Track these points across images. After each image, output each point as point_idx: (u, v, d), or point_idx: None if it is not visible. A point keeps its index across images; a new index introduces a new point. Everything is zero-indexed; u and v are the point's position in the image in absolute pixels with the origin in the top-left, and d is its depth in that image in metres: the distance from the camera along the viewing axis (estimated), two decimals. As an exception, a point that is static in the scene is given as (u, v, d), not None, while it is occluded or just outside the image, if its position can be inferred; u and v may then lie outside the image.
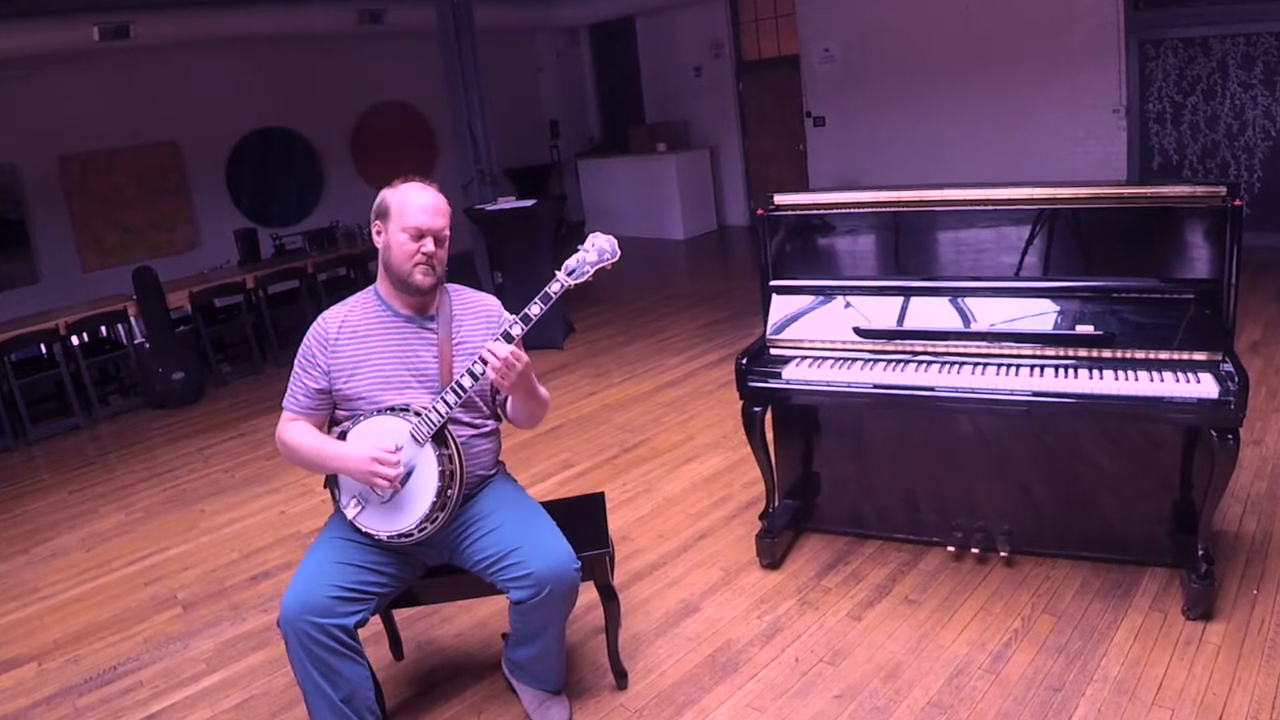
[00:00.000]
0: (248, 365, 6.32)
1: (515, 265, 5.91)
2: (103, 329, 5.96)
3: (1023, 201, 2.51)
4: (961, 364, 2.48)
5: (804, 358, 2.68)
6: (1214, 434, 2.18)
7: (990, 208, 2.55)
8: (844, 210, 2.75)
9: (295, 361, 2.10)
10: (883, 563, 2.79)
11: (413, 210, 1.99)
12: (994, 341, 2.47)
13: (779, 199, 2.81)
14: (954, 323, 2.55)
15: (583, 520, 2.29)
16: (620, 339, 5.92)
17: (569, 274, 1.97)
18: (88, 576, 3.40)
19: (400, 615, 2.58)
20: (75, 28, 6.45)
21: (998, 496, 2.68)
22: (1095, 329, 2.36)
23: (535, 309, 1.94)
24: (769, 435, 2.80)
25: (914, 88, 7.84)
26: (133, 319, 5.83)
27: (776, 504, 2.89)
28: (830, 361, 2.63)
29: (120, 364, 5.99)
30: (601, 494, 2.47)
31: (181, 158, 8.10)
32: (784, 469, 2.96)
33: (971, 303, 2.55)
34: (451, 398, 1.95)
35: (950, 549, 2.72)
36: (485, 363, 1.91)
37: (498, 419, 2.22)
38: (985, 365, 2.45)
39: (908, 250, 2.69)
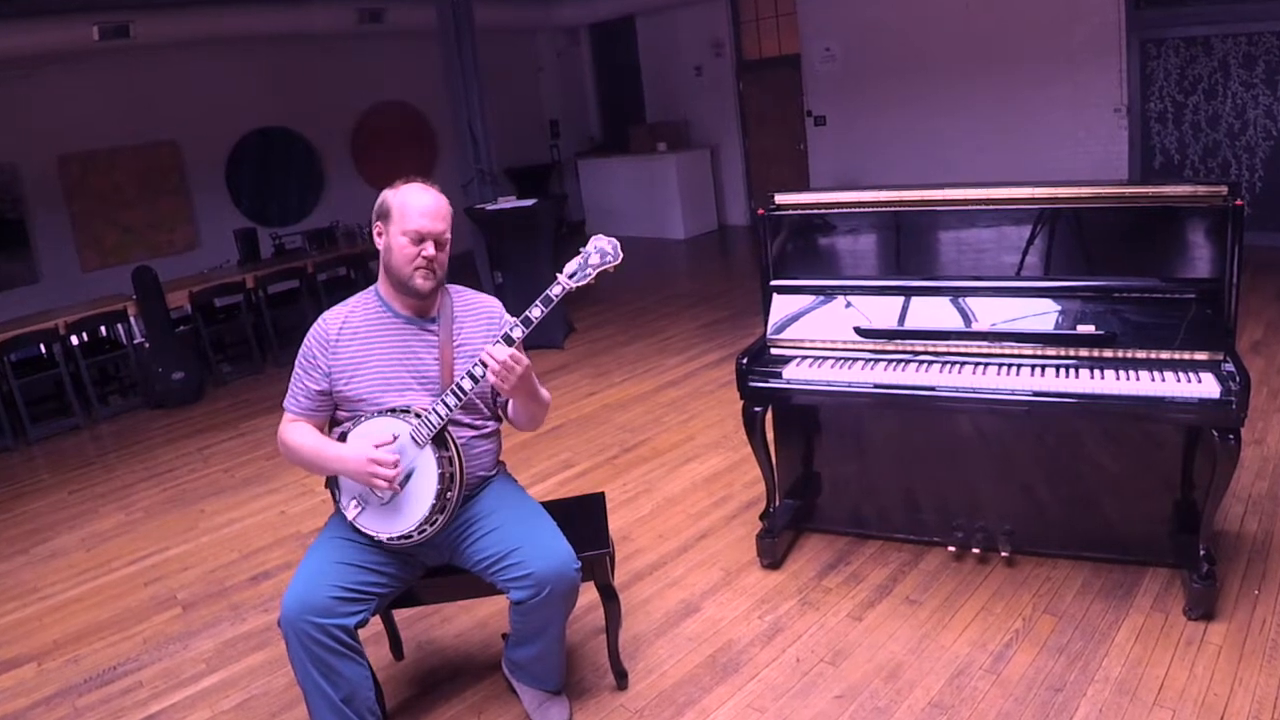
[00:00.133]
0: (248, 365, 6.32)
1: (515, 265, 5.90)
2: (102, 329, 5.96)
3: (1024, 201, 2.51)
4: (962, 364, 2.48)
5: (805, 357, 2.67)
6: (1215, 434, 2.18)
7: (991, 207, 2.54)
8: (845, 210, 2.75)
9: (296, 362, 2.10)
10: (883, 563, 2.79)
11: (413, 213, 1.98)
12: (995, 341, 2.47)
13: (780, 198, 2.81)
14: (955, 322, 2.54)
15: (583, 520, 2.28)
16: (621, 339, 5.91)
17: (570, 276, 1.96)
18: (87, 577, 3.40)
19: (400, 615, 2.58)
20: (75, 27, 6.45)
21: (999, 496, 2.67)
22: (1096, 329, 2.35)
23: (536, 312, 1.93)
24: (769, 435, 2.80)
25: (915, 87, 7.84)
26: (132, 319, 5.83)
27: (777, 504, 2.89)
28: (831, 361, 2.62)
29: (120, 364, 5.99)
30: (602, 494, 2.47)
31: (181, 157, 8.10)
32: (784, 469, 2.96)
33: (972, 302, 2.54)
34: (451, 400, 1.95)
35: (951, 549, 2.72)
36: (485, 366, 1.91)
37: (498, 420, 2.21)
38: (986, 365, 2.45)
39: (909, 250, 2.69)
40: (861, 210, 2.73)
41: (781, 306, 2.76)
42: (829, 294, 2.73)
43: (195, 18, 7.05)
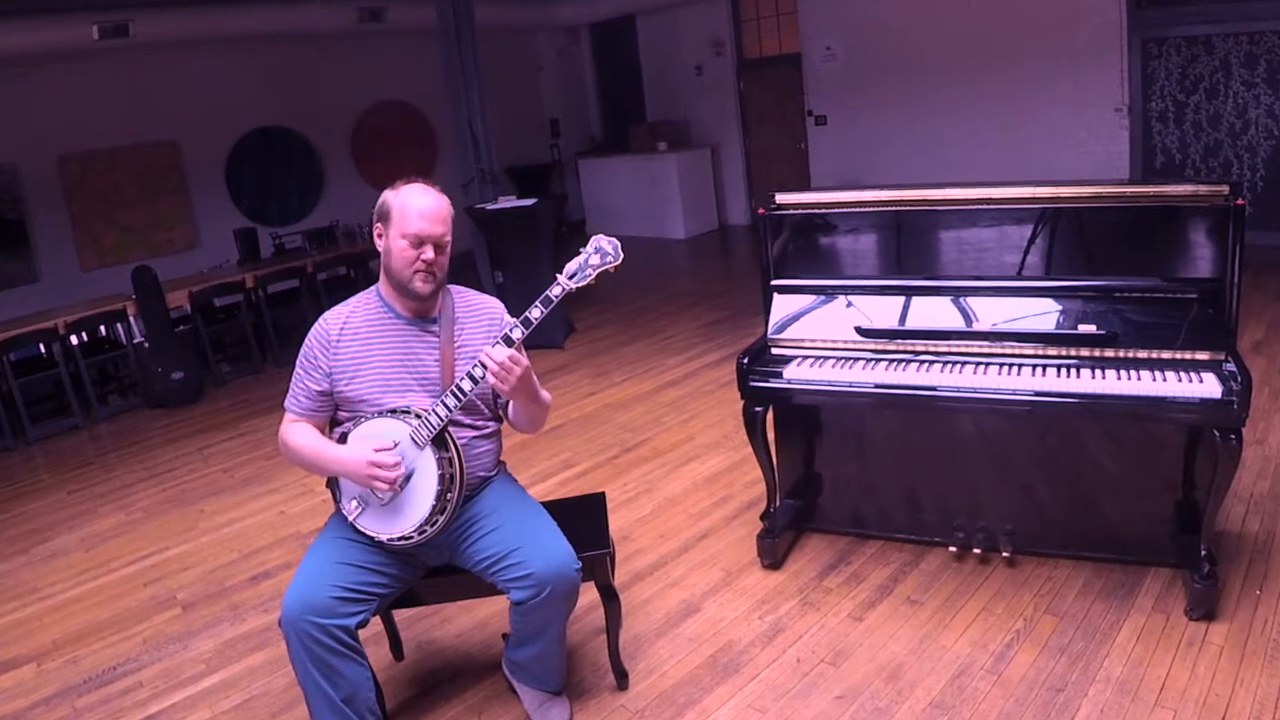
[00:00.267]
0: (247, 365, 6.31)
1: (516, 265, 5.90)
2: (102, 329, 5.95)
3: (1025, 201, 2.50)
4: (964, 363, 2.47)
5: (805, 357, 2.67)
6: (1217, 434, 2.17)
7: (992, 207, 2.54)
8: (846, 209, 2.74)
9: (297, 363, 2.09)
10: (884, 563, 2.78)
11: (412, 216, 1.97)
12: (996, 341, 2.46)
13: (780, 198, 2.81)
14: (956, 322, 2.54)
15: (583, 520, 2.28)
16: (621, 338, 5.91)
17: (570, 277, 1.95)
18: (87, 577, 3.39)
19: (400, 616, 2.57)
20: (75, 26, 6.45)
21: (1000, 496, 2.67)
22: (1098, 328, 2.35)
23: (536, 312, 1.93)
24: (770, 435, 2.79)
25: (916, 86, 7.83)
26: (132, 319, 5.82)
27: (778, 504, 2.88)
28: (832, 361, 2.62)
29: (119, 364, 5.98)
30: (602, 494, 2.46)
31: (181, 157, 8.09)
32: (785, 469, 2.96)
33: (974, 302, 2.54)
34: (451, 401, 1.94)
35: (952, 549, 2.71)
36: (484, 367, 1.91)
37: (499, 420, 2.21)
38: (987, 365, 2.44)
39: (910, 250, 2.68)
40: (862, 210, 2.73)
41: (782, 306, 2.75)
42: (830, 294, 2.72)
43: (195, 17, 7.05)
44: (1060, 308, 2.45)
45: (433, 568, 2.15)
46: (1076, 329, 2.38)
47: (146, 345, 5.72)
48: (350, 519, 2.01)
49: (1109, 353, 2.34)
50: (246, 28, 7.42)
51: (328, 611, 1.89)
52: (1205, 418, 2.19)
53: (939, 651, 2.34)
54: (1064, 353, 2.39)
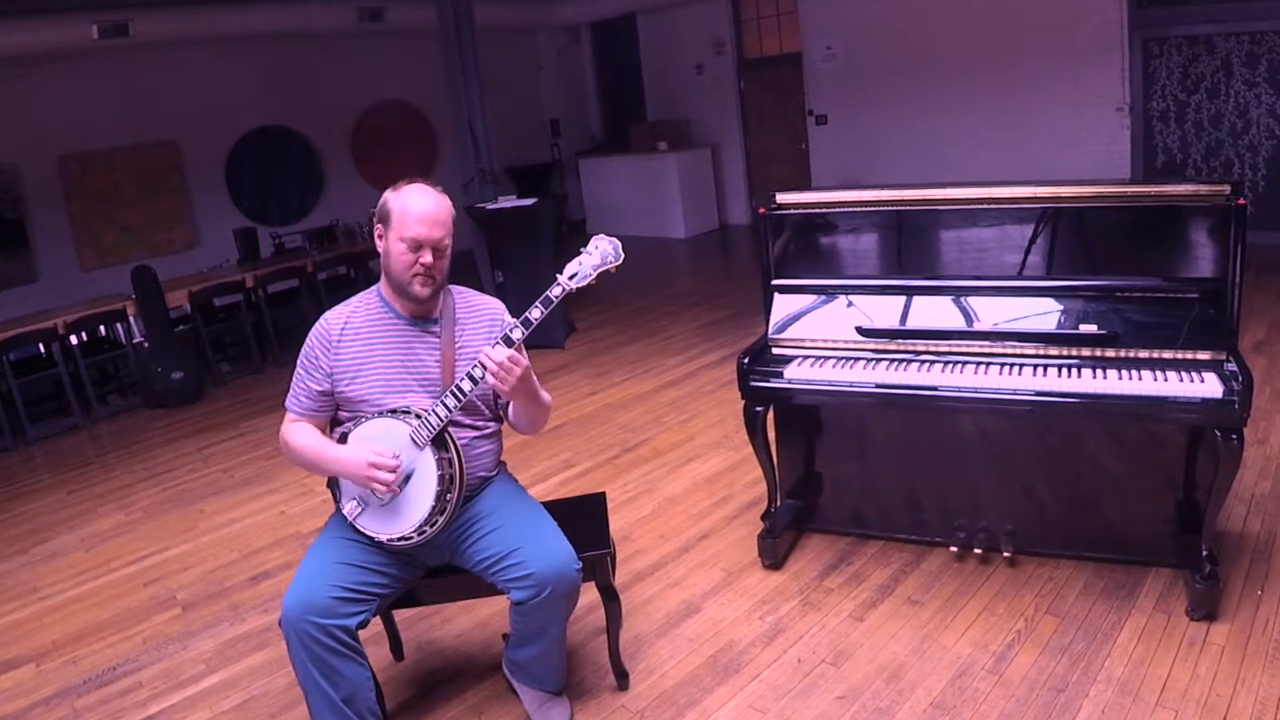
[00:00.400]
0: (247, 365, 6.31)
1: (516, 264, 5.90)
2: (101, 328, 5.95)
3: (1026, 200, 2.50)
4: (965, 363, 2.47)
5: (806, 357, 2.66)
6: (1218, 434, 2.17)
7: (993, 206, 2.54)
8: (846, 209, 2.74)
9: (298, 363, 2.09)
10: (885, 563, 2.78)
11: (411, 220, 1.96)
12: (997, 341, 2.46)
13: (781, 198, 2.80)
14: (957, 322, 2.53)
15: (584, 520, 2.27)
16: (621, 338, 5.90)
17: (570, 277, 1.94)
18: (87, 577, 3.39)
19: (400, 616, 2.57)
20: (74, 26, 6.45)
21: (1001, 497, 2.66)
22: (1099, 328, 2.34)
23: (536, 313, 1.92)
24: (771, 435, 2.79)
25: (917, 86, 7.83)
26: (132, 318, 5.82)
27: (778, 504, 2.88)
28: (832, 361, 2.61)
29: (119, 363, 5.98)
30: (602, 494, 2.46)
31: (181, 157, 8.09)
32: (786, 469, 2.95)
33: (975, 302, 2.54)
34: (451, 401, 1.94)
35: (953, 549, 2.71)
36: (484, 367, 1.90)
37: (499, 421, 2.20)
38: (988, 365, 2.44)
39: (910, 249, 2.68)
40: (863, 209, 2.72)
41: (783, 306, 2.75)
42: (830, 293, 2.72)
43: (195, 16, 7.04)
44: (1061, 307, 2.45)
45: (433, 568, 2.14)
46: (1078, 329, 2.37)
47: (146, 345, 5.71)
48: (350, 519, 2.01)
49: (1110, 352, 2.34)
50: (246, 27, 7.42)
51: (328, 612, 1.89)
52: (1206, 418, 2.19)
53: (940, 652, 2.33)
54: (1065, 352, 2.39)
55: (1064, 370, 2.36)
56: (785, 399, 2.71)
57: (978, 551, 2.68)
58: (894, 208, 2.68)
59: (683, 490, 3.50)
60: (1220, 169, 6.43)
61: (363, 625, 1.95)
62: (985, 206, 2.54)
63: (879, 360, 2.57)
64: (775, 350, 2.73)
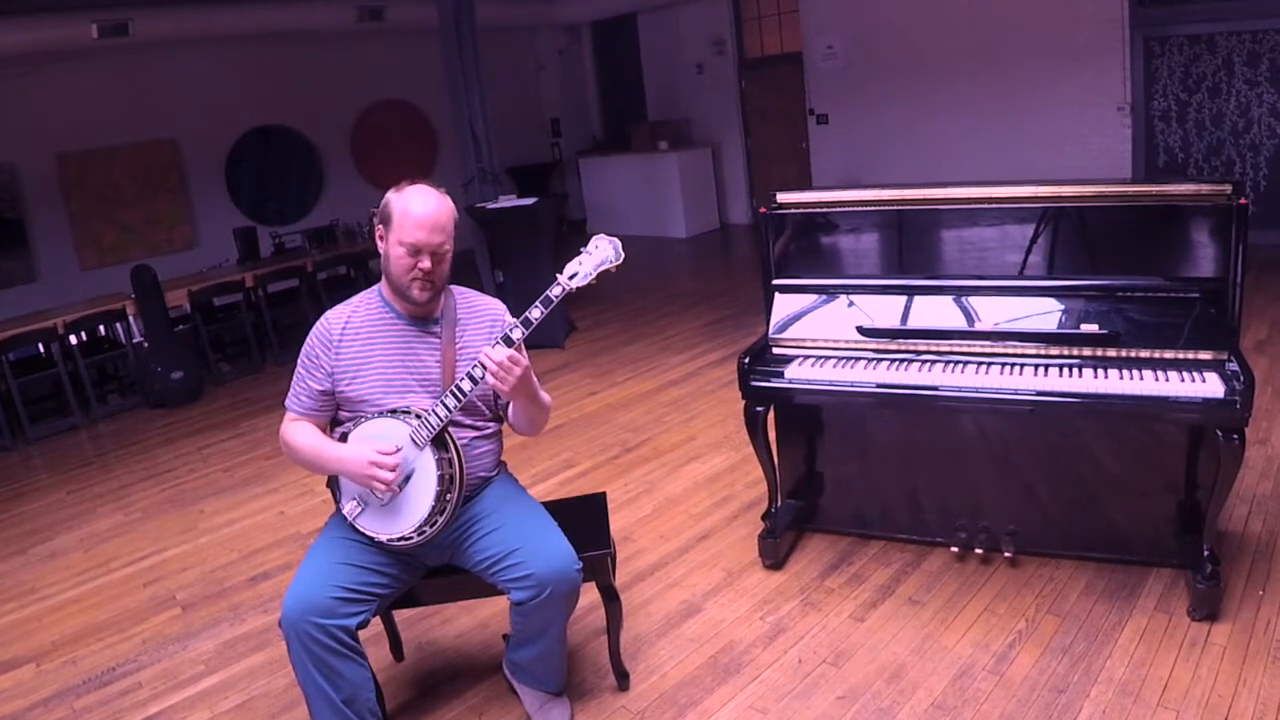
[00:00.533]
0: (247, 364, 6.31)
1: (516, 264, 5.89)
2: (101, 328, 5.94)
3: (1027, 200, 2.50)
4: (965, 363, 2.46)
5: (807, 357, 2.66)
6: (1219, 434, 2.17)
7: (994, 206, 2.53)
8: (847, 209, 2.74)
9: (298, 362, 2.09)
10: (886, 563, 2.78)
11: (410, 225, 1.95)
12: (998, 341, 2.46)
13: (782, 197, 2.80)
14: (958, 322, 2.53)
15: (584, 520, 2.27)
16: (622, 338, 5.90)
17: (570, 277, 1.94)
18: (86, 577, 3.39)
19: (401, 616, 2.57)
20: (74, 25, 6.43)
21: (1002, 497, 2.66)
22: (1100, 328, 2.34)
23: (536, 313, 1.92)
24: (771, 435, 2.78)
25: (917, 85, 7.82)
26: (131, 318, 5.81)
27: (779, 504, 2.88)
28: (833, 361, 2.61)
29: (119, 363, 5.97)
30: (603, 494, 2.46)
31: (180, 156, 8.08)
32: (786, 469, 2.95)
33: (975, 302, 2.53)
34: (452, 401, 1.94)
35: (954, 549, 2.70)
36: (484, 367, 1.90)
37: (499, 421, 2.20)
38: (989, 364, 2.44)
39: (911, 249, 2.67)
40: (864, 209, 2.72)
41: (784, 306, 2.74)
42: (831, 293, 2.71)
43: (194, 15, 7.03)
44: (1062, 307, 2.44)
45: (433, 568, 2.14)
46: (1079, 328, 2.37)
47: (146, 345, 5.71)
48: (350, 519, 2.00)
49: (1111, 352, 2.33)
50: (246, 26, 7.41)
51: (328, 612, 1.89)
52: (1208, 418, 2.18)
53: (941, 652, 2.33)
54: (1066, 352, 2.38)
55: (1065, 370, 2.36)
56: (786, 399, 2.70)
57: (979, 552, 2.67)
58: (895, 207, 2.68)
59: (683, 490, 3.49)
60: (1221, 168, 6.42)
61: (363, 625, 1.95)
62: (986, 206, 2.54)
63: (880, 360, 2.56)
64: (776, 350, 2.73)
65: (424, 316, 2.08)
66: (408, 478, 1.95)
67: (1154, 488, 2.49)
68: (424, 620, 2.75)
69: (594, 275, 1.94)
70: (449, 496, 1.96)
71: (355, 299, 2.13)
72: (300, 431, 2.05)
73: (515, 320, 1.95)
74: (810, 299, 2.73)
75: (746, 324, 5.67)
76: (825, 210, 2.76)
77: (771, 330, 2.74)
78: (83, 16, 6.41)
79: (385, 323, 2.07)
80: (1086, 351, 2.36)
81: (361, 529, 2.00)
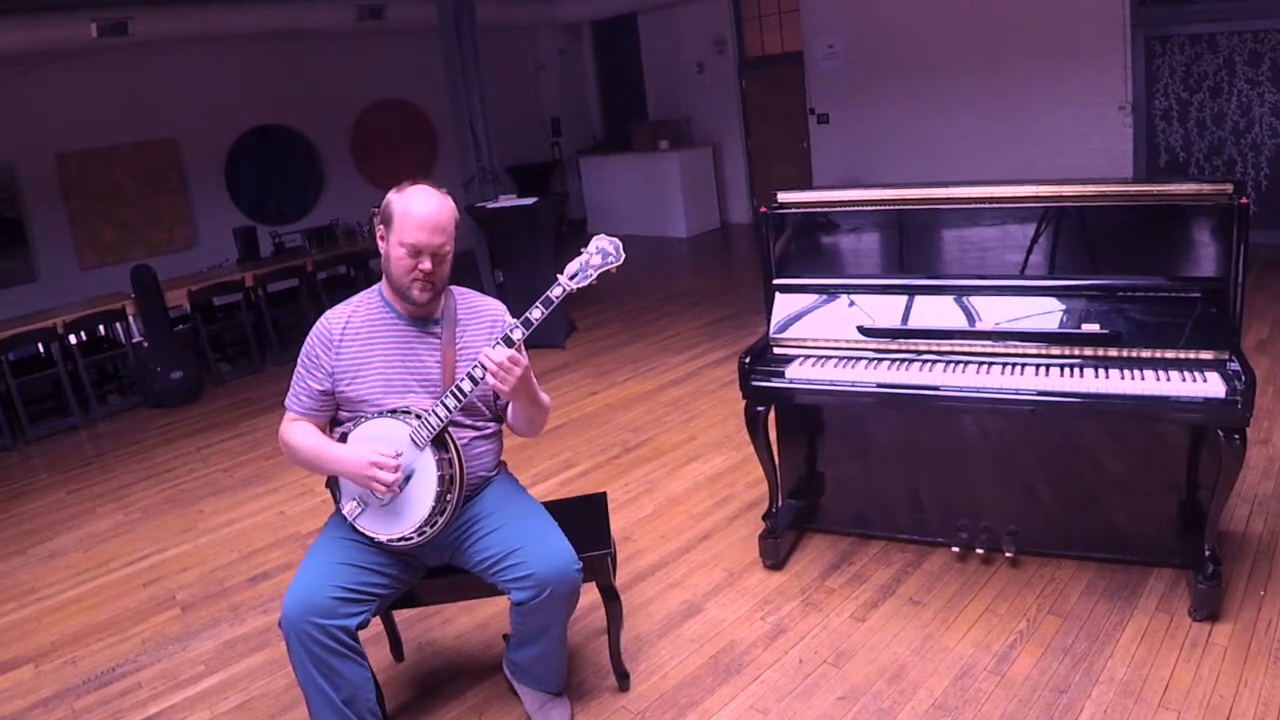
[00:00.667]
0: (246, 364, 6.30)
1: (516, 263, 5.89)
2: (101, 328, 5.94)
3: (1028, 199, 2.49)
4: (966, 363, 2.46)
5: (807, 357, 2.65)
6: (1221, 434, 2.16)
7: (995, 206, 2.53)
8: (848, 208, 2.73)
9: (298, 362, 2.08)
10: (887, 563, 2.77)
11: (411, 226, 1.95)
12: (999, 340, 2.45)
13: (783, 197, 2.79)
14: (959, 321, 2.52)
15: (584, 520, 2.27)
16: (622, 338, 5.90)
17: (571, 278, 1.93)
18: (86, 577, 3.38)
19: (401, 616, 2.56)
20: (73, 24, 6.42)
21: (1003, 497, 2.66)
22: (1101, 328, 2.34)
23: (536, 313, 1.91)
24: (772, 435, 2.78)
25: (918, 84, 7.81)
26: (131, 318, 5.81)
27: (780, 504, 2.87)
28: (834, 361, 2.61)
29: (118, 363, 5.97)
30: (603, 494, 2.45)
31: (180, 155, 8.07)
32: (787, 469, 2.94)
33: (976, 301, 2.53)
34: (452, 402, 1.93)
35: (955, 549, 2.70)
36: (484, 368, 1.89)
37: (499, 421, 2.20)
38: (990, 364, 2.43)
39: (912, 248, 2.67)
40: (865, 209, 2.72)
41: (784, 305, 2.74)
42: (832, 293, 2.71)
43: (194, 15, 7.02)
44: (1063, 307, 2.44)
45: (433, 568, 2.14)
46: (1080, 328, 2.37)
47: (145, 344, 5.71)
48: (350, 519, 2.00)
49: (1112, 352, 2.33)
50: (246, 26, 7.40)
51: (328, 612, 1.88)
52: (1209, 417, 2.18)
53: (942, 652, 2.33)
54: (1067, 352, 2.38)
55: (1066, 370, 2.35)
56: (787, 399, 2.70)
57: (980, 552, 2.67)
58: (896, 207, 2.67)
59: (684, 490, 3.49)
60: (1223, 168, 6.42)
61: (363, 626, 1.95)
62: (987, 206, 2.53)
63: (880, 360, 2.56)
64: (777, 350, 2.72)
65: (424, 317, 2.08)
66: (408, 478, 1.95)
67: (1155, 488, 2.49)
68: (424, 620, 2.74)
69: (595, 275, 1.94)
70: (449, 497, 1.95)
71: (355, 299, 2.13)
72: (300, 432, 2.05)
73: (516, 321, 1.95)
74: (811, 299, 2.73)
75: (747, 324, 5.66)
76: (826, 210, 2.76)
77: (772, 330, 2.73)
78: (82, 16, 6.40)
79: (385, 323, 2.07)
80: (1088, 351, 2.36)
81: (361, 529, 2.00)
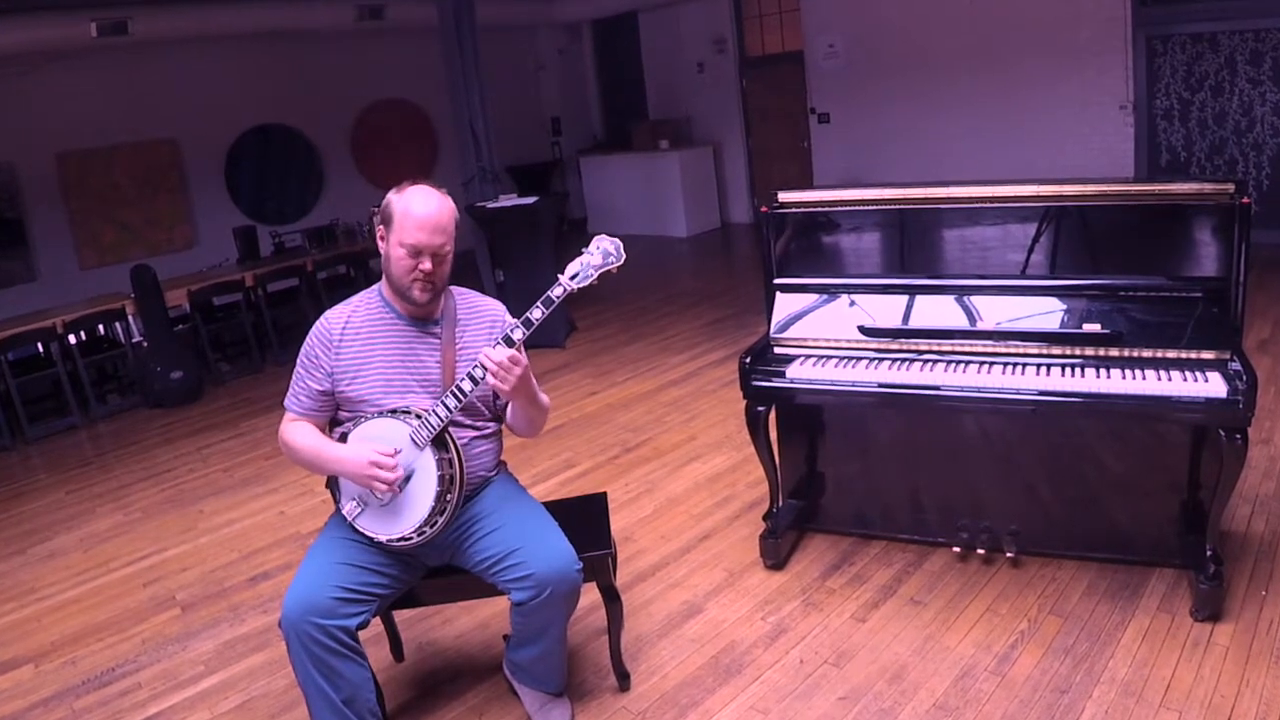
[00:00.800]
0: (246, 364, 6.30)
1: (517, 263, 5.88)
2: (100, 327, 5.93)
3: (1029, 199, 2.49)
4: (967, 363, 2.45)
5: (808, 356, 2.65)
6: (1222, 433, 2.16)
7: (996, 205, 2.52)
8: (849, 208, 2.73)
9: (298, 361, 2.08)
10: (888, 563, 2.77)
11: (411, 226, 1.94)
12: (1000, 340, 2.45)
13: (783, 196, 2.79)
14: (960, 321, 2.52)
15: (585, 521, 2.26)
16: (623, 338, 5.89)
17: (571, 278, 1.93)
18: (85, 577, 3.38)
19: (401, 616, 2.56)
20: (73, 24, 6.42)
21: (1004, 497, 2.65)
22: (1102, 327, 2.33)
23: (537, 313, 1.91)
24: (773, 435, 2.78)
25: (919, 84, 7.81)
26: (131, 317, 5.81)
27: (780, 504, 2.87)
28: (835, 360, 2.60)
29: (118, 363, 5.97)
30: (604, 494, 2.45)
31: (180, 155, 8.07)
32: (788, 469, 2.94)
33: (977, 301, 2.52)
34: (452, 401, 1.93)
35: (956, 550, 2.69)
36: (485, 368, 1.89)
37: (499, 421, 2.19)
38: (991, 364, 2.43)
39: (913, 248, 2.66)
40: (865, 208, 2.71)
41: (785, 305, 2.74)
42: (833, 293, 2.70)
43: (194, 14, 7.02)
44: (1065, 307, 2.43)
45: (433, 568, 2.13)
46: (1081, 328, 2.36)
47: (145, 344, 5.70)
48: (349, 519, 2.00)
49: (1114, 352, 2.33)
50: (245, 25, 7.40)
51: (328, 612, 1.88)
52: (1211, 417, 2.18)
53: (942, 652, 2.32)
54: (1068, 352, 2.37)
55: (1067, 370, 2.35)
56: (787, 398, 2.70)
57: (981, 552, 2.67)
58: (896, 206, 2.67)
59: (684, 490, 3.49)
60: (1224, 167, 6.41)
61: (363, 626, 1.95)
62: (988, 205, 2.53)
63: (881, 360, 2.56)
64: (777, 350, 2.72)
65: (424, 317, 2.07)
66: (408, 478, 1.95)
67: (1156, 488, 2.48)
68: (424, 620, 2.74)
69: (595, 275, 1.93)
70: (449, 497, 1.95)
71: (355, 299, 2.12)
72: (300, 431, 2.04)
73: (516, 321, 1.94)
74: (812, 298, 2.72)
75: (747, 323, 5.66)
76: (827, 209, 2.75)
77: (773, 330, 2.73)
78: (82, 16, 6.40)
79: (385, 323, 2.06)
80: (1089, 351, 2.35)
81: (361, 529, 2.00)
